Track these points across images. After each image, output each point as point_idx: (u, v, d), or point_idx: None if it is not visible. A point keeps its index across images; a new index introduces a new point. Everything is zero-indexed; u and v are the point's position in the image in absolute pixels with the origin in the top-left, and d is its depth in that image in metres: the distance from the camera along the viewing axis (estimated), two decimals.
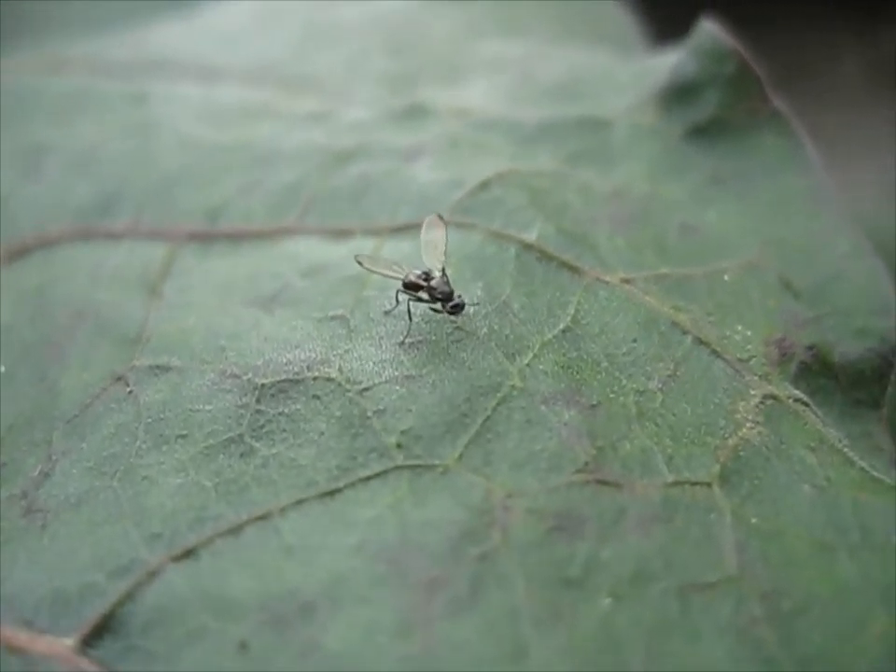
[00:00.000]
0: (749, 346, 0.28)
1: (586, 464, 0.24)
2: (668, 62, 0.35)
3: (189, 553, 0.23)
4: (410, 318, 0.27)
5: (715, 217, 0.32)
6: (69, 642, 0.22)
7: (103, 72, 0.40)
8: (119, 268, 0.31)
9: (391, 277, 0.27)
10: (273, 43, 0.42)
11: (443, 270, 0.27)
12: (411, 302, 0.27)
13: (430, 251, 0.27)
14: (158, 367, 0.27)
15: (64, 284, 0.31)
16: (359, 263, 0.27)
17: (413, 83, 0.38)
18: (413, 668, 0.20)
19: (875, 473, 0.25)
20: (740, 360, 0.27)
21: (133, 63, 0.41)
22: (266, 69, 0.39)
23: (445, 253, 0.27)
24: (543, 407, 0.25)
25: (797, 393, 0.27)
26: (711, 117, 0.34)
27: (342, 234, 0.30)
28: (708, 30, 0.35)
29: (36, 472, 0.26)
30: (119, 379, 0.27)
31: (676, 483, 0.24)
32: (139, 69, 0.40)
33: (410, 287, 0.27)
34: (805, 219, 0.32)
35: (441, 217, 0.28)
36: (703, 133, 0.33)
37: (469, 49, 0.41)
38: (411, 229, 0.30)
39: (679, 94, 0.34)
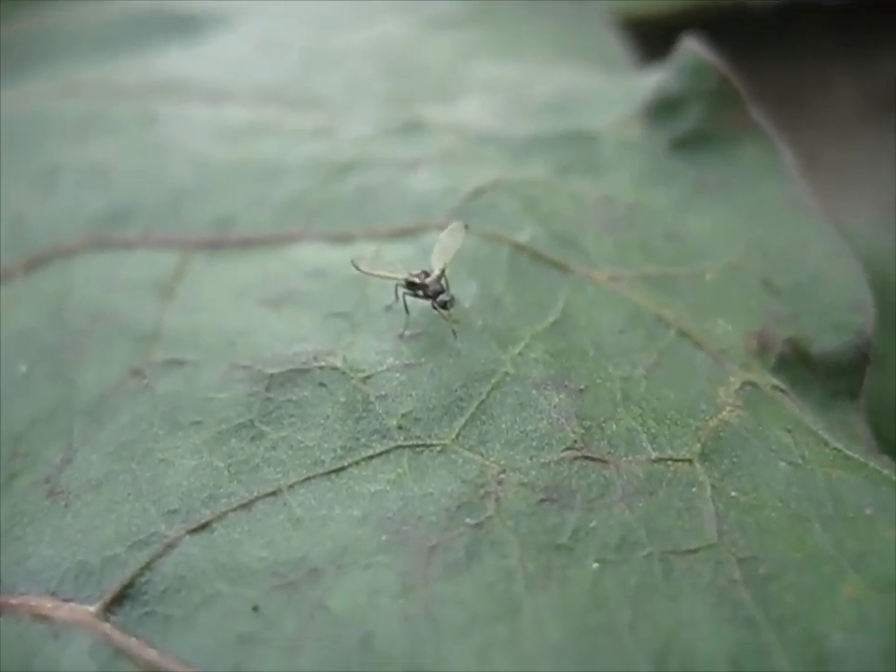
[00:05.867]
0: (729, 338, 0.29)
1: (575, 442, 0.25)
2: (653, 79, 0.37)
3: (203, 527, 0.24)
4: (407, 312, 0.28)
5: (698, 222, 0.34)
6: (92, 609, 0.24)
7: (113, 95, 0.42)
8: (133, 274, 0.33)
9: (388, 278, 0.29)
10: (277, 67, 0.44)
11: (443, 271, 0.29)
12: (409, 298, 0.28)
13: (440, 252, 0.29)
14: (172, 361, 0.29)
15: (81, 290, 0.33)
16: (356, 268, 0.29)
17: (411, 102, 0.40)
18: (413, 625, 0.22)
19: (848, 452, 0.27)
20: (721, 351, 0.29)
21: (142, 87, 0.42)
22: (271, 91, 0.41)
23: (453, 257, 0.29)
24: (534, 391, 0.26)
25: (775, 381, 0.29)
26: (694, 129, 0.35)
27: (344, 239, 0.32)
28: (691, 47, 0.37)
29: (58, 459, 0.27)
30: (135, 373, 0.29)
31: (659, 460, 0.25)
32: (148, 92, 0.42)
33: (407, 284, 0.28)
34: (785, 224, 0.34)
35: (466, 227, 0.30)
36: (686, 144, 0.35)
37: (463, 71, 0.43)
38: (409, 233, 0.32)
39: (663, 108, 0.36)
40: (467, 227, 0.30)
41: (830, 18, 0.66)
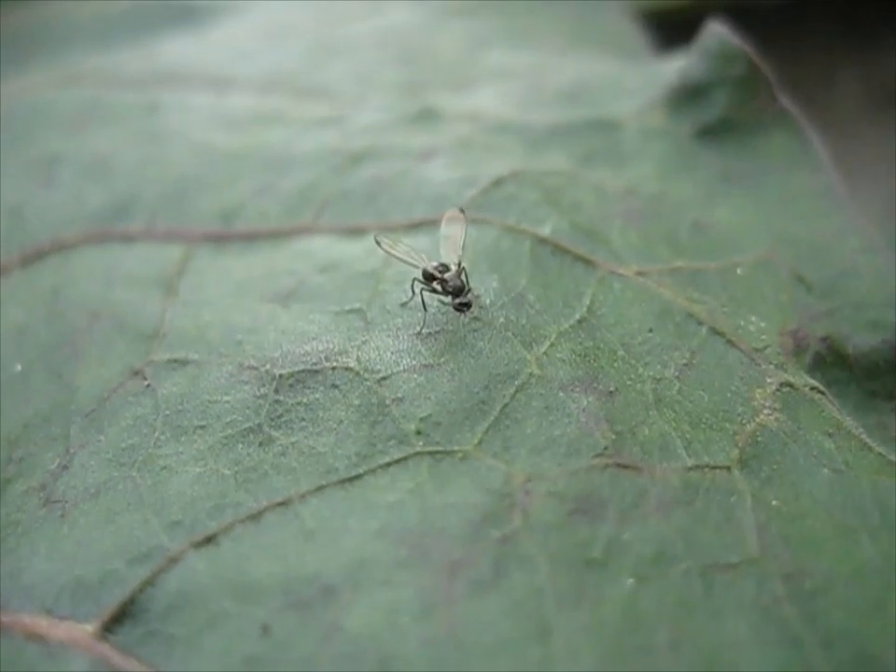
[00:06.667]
0: (763, 336, 0.28)
1: (605, 448, 0.24)
2: (676, 66, 0.36)
3: (209, 540, 0.23)
4: (425, 308, 0.27)
5: (726, 214, 0.32)
6: (89, 628, 0.22)
7: (115, 84, 0.40)
8: (134, 268, 0.31)
9: (408, 263, 0.27)
10: (283, 55, 0.42)
11: (460, 264, 0.27)
12: (426, 294, 0.27)
13: (448, 245, 0.28)
14: (175, 361, 0.27)
15: (80, 285, 0.31)
16: (378, 243, 0.27)
17: (423, 91, 0.38)
18: (436, 648, 0.20)
19: (893, 458, 0.25)
20: (755, 350, 0.27)
21: (144, 75, 0.41)
22: (277, 79, 0.40)
23: (463, 247, 0.27)
24: (561, 394, 0.25)
25: (813, 382, 0.27)
26: (720, 117, 0.34)
27: (356, 232, 0.30)
28: (716, 32, 0.35)
29: (55, 465, 0.26)
30: (136, 373, 0.27)
31: (695, 468, 0.24)
32: (151, 80, 0.40)
33: (425, 276, 0.27)
34: (816, 216, 0.32)
35: (461, 212, 0.28)
36: (712, 132, 0.34)
37: (478, 59, 0.41)
38: (426, 225, 0.30)
39: (687, 95, 0.34)
40: (463, 211, 0.28)
41: (834, 14, 0.65)
